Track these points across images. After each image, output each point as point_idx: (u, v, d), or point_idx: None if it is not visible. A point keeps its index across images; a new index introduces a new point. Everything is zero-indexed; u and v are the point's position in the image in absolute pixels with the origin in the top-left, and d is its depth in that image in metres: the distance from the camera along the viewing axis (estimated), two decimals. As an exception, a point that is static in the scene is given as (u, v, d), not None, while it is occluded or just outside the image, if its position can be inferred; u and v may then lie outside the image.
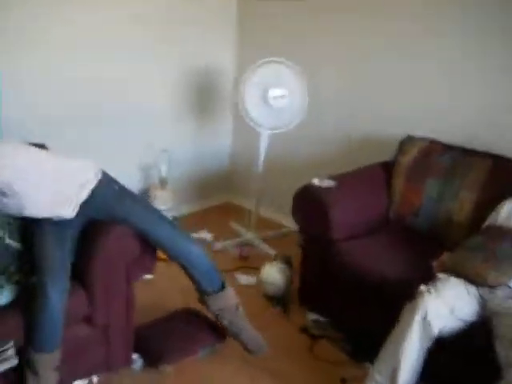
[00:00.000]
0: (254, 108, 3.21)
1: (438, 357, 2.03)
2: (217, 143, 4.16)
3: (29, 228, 2.14)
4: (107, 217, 2.21)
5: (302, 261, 2.83)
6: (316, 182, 2.71)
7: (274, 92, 3.14)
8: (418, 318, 1.99)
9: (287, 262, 3.09)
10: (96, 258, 2.11)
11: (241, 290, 3.02)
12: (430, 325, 1.99)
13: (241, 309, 2.44)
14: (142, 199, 2.35)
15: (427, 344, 2.02)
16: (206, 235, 3.73)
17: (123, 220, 2.19)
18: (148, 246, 2.25)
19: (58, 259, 2.04)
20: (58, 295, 1.97)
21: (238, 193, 4.27)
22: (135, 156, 3.66)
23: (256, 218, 3.66)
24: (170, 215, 3.59)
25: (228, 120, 4.13)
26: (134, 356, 2.40)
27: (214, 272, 2.38)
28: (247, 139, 3.79)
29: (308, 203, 2.66)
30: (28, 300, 1.96)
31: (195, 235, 3.71)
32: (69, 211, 2.16)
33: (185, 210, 3.97)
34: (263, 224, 3.81)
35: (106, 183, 2.26)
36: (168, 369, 2.38)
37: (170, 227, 2.29)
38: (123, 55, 3.36)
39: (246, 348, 2.39)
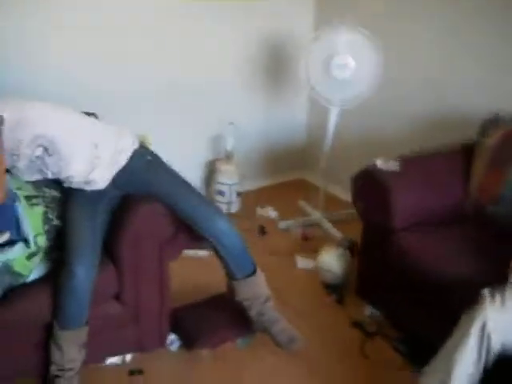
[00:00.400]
0: (316, 78, 2.95)
1: (502, 377, 1.73)
2: (289, 116, 3.93)
3: (64, 204, 2.09)
4: (137, 188, 2.13)
5: (361, 249, 2.58)
6: (379, 163, 2.43)
7: (339, 59, 2.84)
8: (475, 328, 1.70)
9: (349, 247, 2.86)
10: (124, 235, 2.02)
11: (298, 273, 2.88)
12: (489, 338, 1.69)
13: (271, 302, 2.26)
14: (173, 170, 2.21)
15: (486, 360, 1.72)
16: (270, 213, 3.57)
17: (150, 191, 2.10)
18: (184, 226, 2.13)
19: (85, 236, 1.98)
20: (84, 273, 1.91)
21: (311, 169, 4.03)
22: (203, 128, 3.56)
23: (324, 198, 3.43)
24: (234, 190, 3.48)
25: (302, 92, 3.87)
26: (171, 337, 2.33)
27: (244, 254, 2.21)
28: (320, 113, 3.52)
29: (368, 187, 2.40)
30: (56, 276, 1.92)
31: (259, 211, 3.56)
32: (103, 178, 2.09)
33: (251, 185, 3.82)
34: (334, 204, 3.58)
35: (140, 154, 2.16)
36: (205, 353, 2.28)
37: (199, 200, 2.15)
38: (188, 23, 3.24)
39: (275, 341, 2.22)
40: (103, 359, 2.21)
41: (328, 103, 3.09)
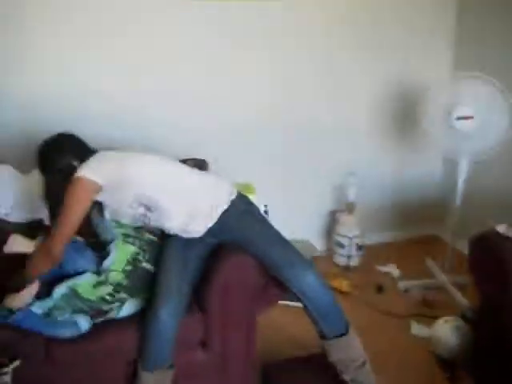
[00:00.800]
0: (439, 129, 2.75)
1: None
2: (420, 167, 3.70)
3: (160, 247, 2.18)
4: (230, 237, 2.14)
5: (475, 324, 2.29)
6: (502, 229, 2.16)
7: (461, 111, 2.61)
8: None
9: (469, 320, 2.56)
10: (212, 283, 2.05)
11: (410, 339, 2.66)
12: None
13: (367, 366, 2.09)
14: (265, 220, 2.20)
15: None
16: (392, 270, 3.36)
17: (240, 240, 2.11)
18: (274, 279, 2.09)
19: (173, 281, 2.03)
20: (168, 317, 1.95)
21: (444, 226, 3.72)
22: (324, 176, 3.50)
23: (455, 258, 3.14)
24: (355, 242, 3.35)
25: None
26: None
27: (335, 312, 2.09)
28: (455, 164, 3.26)
29: (485, 255, 2.14)
30: (143, 317, 1.99)
31: (380, 268, 3.37)
32: (200, 229, 2.13)
33: (374, 239, 3.63)
34: (465, 266, 3.25)
35: (236, 204, 2.17)
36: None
37: (286, 251, 2.09)
38: (316, 62, 3.24)
39: None
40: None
41: (455, 155, 2.86)
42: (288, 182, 3.43)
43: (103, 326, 2.01)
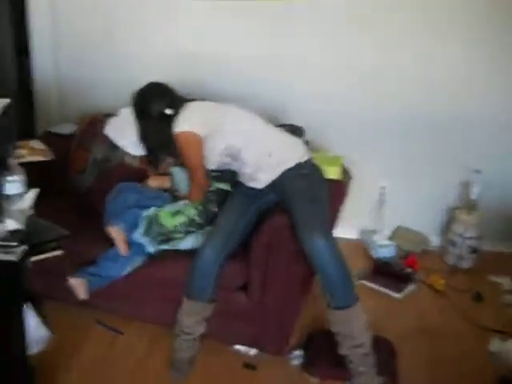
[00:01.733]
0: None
1: None
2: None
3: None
4: (282, 194, 2.27)
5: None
6: None
7: None
8: None
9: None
10: (257, 237, 2.22)
11: (484, 355, 2.48)
12: None
13: (364, 351, 2.08)
14: (315, 188, 2.26)
15: None
16: (504, 282, 3.06)
17: (285, 198, 2.24)
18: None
19: (227, 225, 2.26)
20: (210, 256, 2.19)
21: None
22: (448, 171, 3.31)
23: None
24: (469, 244, 3.15)
25: None
26: (297, 352, 2.37)
27: (341, 283, 2.08)
28: None
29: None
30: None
31: (491, 277, 3.10)
32: (265, 180, 2.30)
33: (493, 245, 3.32)
34: None
35: (300, 166, 2.28)
36: (314, 381, 2.25)
37: (310, 213, 2.14)
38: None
39: None
40: (231, 343, 2.44)
41: None
42: (410, 172, 3.35)
43: (167, 256, 2.35)
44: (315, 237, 2.07)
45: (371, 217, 3.50)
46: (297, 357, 2.36)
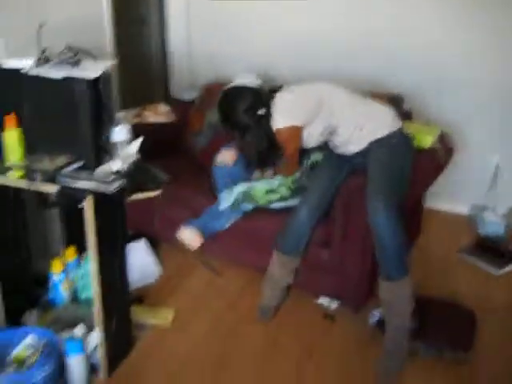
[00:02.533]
0: None
1: None
2: None
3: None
4: (367, 160, 2.33)
5: None
6: None
7: None
8: None
9: None
10: (338, 197, 2.36)
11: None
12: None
13: (405, 330, 2.13)
14: (396, 159, 2.28)
15: None
16: None
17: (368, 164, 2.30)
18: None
19: (320, 187, 2.40)
20: (304, 215, 2.37)
21: None
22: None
23: None
24: None
25: None
26: (376, 312, 2.46)
27: (393, 255, 2.12)
28: None
29: None
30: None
31: None
32: (355, 148, 2.41)
33: None
34: None
35: (390, 136, 2.32)
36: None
37: (379, 187, 2.18)
38: None
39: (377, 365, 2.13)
40: (316, 295, 2.61)
41: None
42: None
43: (260, 212, 2.59)
44: (378, 209, 2.12)
45: (484, 193, 3.39)
46: (374, 316, 2.45)
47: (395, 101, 2.73)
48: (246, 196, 2.54)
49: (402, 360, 2.14)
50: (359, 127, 2.35)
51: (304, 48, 3.49)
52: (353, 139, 2.39)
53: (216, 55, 3.76)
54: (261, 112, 2.38)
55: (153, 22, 4.20)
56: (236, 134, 2.50)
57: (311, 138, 2.43)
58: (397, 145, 2.33)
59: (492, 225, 3.19)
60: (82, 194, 1.86)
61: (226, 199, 2.56)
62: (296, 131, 2.36)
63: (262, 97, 2.41)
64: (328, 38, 3.41)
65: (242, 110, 2.38)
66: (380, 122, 2.37)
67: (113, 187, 1.86)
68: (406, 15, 3.22)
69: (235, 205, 2.55)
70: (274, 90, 2.45)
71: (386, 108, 2.45)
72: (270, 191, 2.55)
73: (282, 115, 2.35)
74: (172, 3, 3.83)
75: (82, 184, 1.86)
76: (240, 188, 2.57)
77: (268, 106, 2.38)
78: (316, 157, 2.62)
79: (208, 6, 3.71)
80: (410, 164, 2.33)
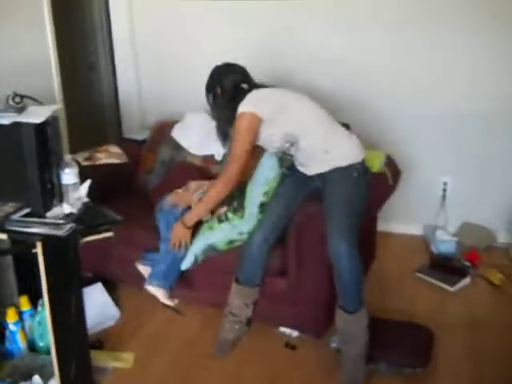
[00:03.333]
0: None
1: None
2: None
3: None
4: (325, 190, 2.33)
5: None
6: None
7: None
8: None
9: None
10: (292, 225, 2.40)
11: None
12: None
13: (362, 359, 2.19)
14: (355, 192, 2.29)
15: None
16: None
17: (326, 194, 2.32)
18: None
19: (274, 216, 2.40)
20: (258, 242, 2.39)
21: None
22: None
23: None
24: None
25: None
26: (335, 337, 2.49)
27: (350, 289, 2.19)
28: None
29: None
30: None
31: None
32: (316, 170, 2.38)
33: None
34: None
35: (352, 168, 2.30)
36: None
37: (339, 219, 2.21)
38: None
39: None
40: (276, 325, 2.63)
41: None
42: (475, 167, 3.39)
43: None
44: (339, 243, 2.16)
45: (435, 213, 3.51)
46: (335, 341, 2.48)
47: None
48: (207, 249, 2.51)
49: None
50: (324, 149, 2.32)
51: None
52: (316, 159, 2.36)
53: (165, 96, 3.82)
54: (244, 86, 2.41)
55: (102, 67, 4.25)
56: (214, 92, 2.46)
57: (270, 141, 2.37)
58: (359, 178, 2.32)
59: (444, 243, 3.30)
60: (33, 238, 1.84)
61: (186, 260, 2.51)
62: (254, 120, 2.29)
63: (250, 81, 2.45)
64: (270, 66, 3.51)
65: (230, 75, 2.43)
66: (346, 151, 2.35)
67: (64, 230, 1.86)
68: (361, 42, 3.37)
69: (197, 261, 2.52)
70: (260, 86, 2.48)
71: (353, 137, 2.44)
72: (232, 242, 2.50)
73: (248, 101, 2.34)
74: (119, 49, 3.88)
75: (33, 229, 1.86)
76: (199, 246, 2.50)
77: (249, 89, 2.40)
78: (284, 170, 2.50)
79: (155, 50, 3.80)
80: (368, 196, 2.35)
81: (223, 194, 2.40)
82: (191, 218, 2.48)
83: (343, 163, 2.32)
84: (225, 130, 2.51)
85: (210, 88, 2.48)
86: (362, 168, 2.36)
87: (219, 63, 2.50)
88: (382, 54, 3.34)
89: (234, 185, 2.37)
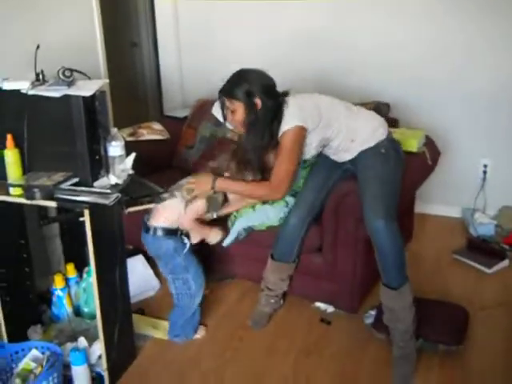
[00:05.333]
0: None
1: None
2: None
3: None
4: (358, 168, 2.36)
5: None
6: None
7: None
8: None
9: None
10: (328, 203, 2.43)
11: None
12: None
13: (409, 334, 2.19)
14: (387, 168, 2.28)
15: None
16: None
17: (360, 172, 2.34)
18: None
19: (308, 194, 2.43)
20: (295, 223, 2.42)
21: None
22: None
23: None
24: None
25: None
26: (372, 312, 2.52)
27: (392, 265, 2.18)
28: None
29: None
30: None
31: None
32: (345, 158, 2.43)
33: None
34: None
35: (378, 146, 2.33)
36: (379, 336, 2.39)
37: (374, 196, 2.21)
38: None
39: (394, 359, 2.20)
40: (312, 299, 2.68)
41: None
42: None
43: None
44: (376, 219, 2.15)
45: (474, 195, 3.47)
46: (370, 316, 2.52)
47: (382, 109, 2.83)
48: (248, 229, 2.54)
49: (413, 362, 2.21)
50: (351, 139, 2.35)
51: (293, 62, 3.59)
52: (343, 149, 2.39)
53: (206, 73, 3.87)
54: (259, 96, 2.20)
55: (145, 45, 4.32)
56: (247, 107, 2.21)
57: (307, 149, 2.36)
58: (388, 154, 2.33)
59: (482, 226, 3.27)
60: (80, 206, 1.93)
61: (228, 238, 2.52)
62: (303, 134, 2.23)
63: (270, 89, 2.26)
64: (318, 51, 3.54)
65: (261, 83, 2.22)
66: (370, 132, 2.36)
67: (111, 199, 1.93)
68: (392, 32, 3.37)
69: (238, 238, 2.54)
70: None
71: (376, 116, 2.46)
72: (270, 227, 2.53)
73: (293, 114, 2.22)
74: (162, 27, 3.94)
75: (81, 197, 1.94)
76: (240, 224, 2.51)
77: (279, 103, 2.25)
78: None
79: (197, 29, 3.84)
80: (401, 170, 2.37)
81: (263, 198, 2.40)
82: (222, 185, 2.31)
83: (370, 143, 2.34)
84: (253, 158, 2.35)
85: (241, 96, 2.20)
86: (388, 143, 2.37)
87: (246, 68, 2.25)
88: (416, 42, 3.34)
89: (274, 199, 2.40)
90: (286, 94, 2.31)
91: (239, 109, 2.23)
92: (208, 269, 2.54)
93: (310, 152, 2.39)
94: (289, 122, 2.21)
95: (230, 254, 2.73)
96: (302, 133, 2.24)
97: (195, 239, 2.37)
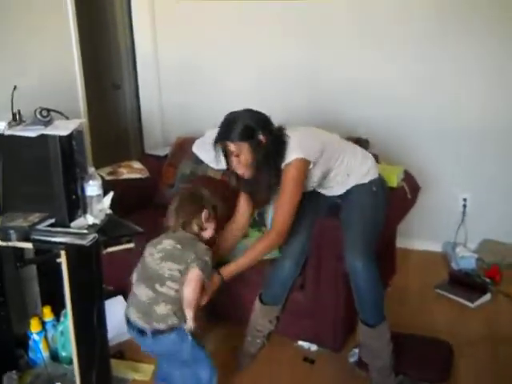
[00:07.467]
0: None
1: None
2: None
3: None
4: (345, 205, 2.37)
5: None
6: None
7: None
8: None
9: None
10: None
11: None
12: None
13: (387, 371, 2.18)
14: (373, 207, 2.31)
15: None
16: None
17: (344, 209, 2.34)
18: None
19: (300, 236, 2.38)
20: (290, 262, 2.39)
21: None
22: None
23: None
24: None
25: None
26: (355, 350, 2.49)
27: (370, 303, 2.19)
28: None
29: None
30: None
31: None
32: (335, 192, 2.42)
33: None
34: None
35: (370, 183, 2.34)
36: (363, 375, 2.36)
37: (356, 235, 2.21)
38: None
39: None
40: (295, 338, 2.63)
41: None
42: (496, 183, 3.39)
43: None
44: (355, 260, 2.15)
45: (454, 229, 3.49)
46: (354, 354, 2.48)
47: (362, 144, 2.84)
48: None
49: None
50: (347, 173, 2.34)
51: (273, 97, 3.62)
52: (337, 182, 2.38)
53: (186, 112, 3.90)
54: (260, 132, 2.13)
55: (126, 85, 4.35)
56: (251, 146, 2.12)
57: (309, 182, 2.30)
58: (378, 193, 2.35)
59: (464, 260, 3.28)
60: (57, 247, 1.90)
61: None
62: (306, 166, 2.17)
63: (267, 123, 2.20)
64: (296, 88, 3.60)
65: (257, 119, 2.16)
66: (365, 170, 2.37)
67: (88, 240, 1.90)
68: (378, 69, 3.42)
69: None
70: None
71: (368, 155, 2.48)
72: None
73: (296, 147, 2.15)
74: (142, 67, 3.98)
75: (57, 238, 1.91)
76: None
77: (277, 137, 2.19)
78: None
79: (177, 67, 3.88)
80: (386, 209, 2.38)
81: (274, 246, 2.29)
82: (231, 271, 2.20)
83: (364, 180, 2.36)
84: (266, 197, 2.33)
85: (244, 136, 2.11)
86: (379, 182, 2.41)
87: (235, 110, 2.18)
88: (401, 80, 3.40)
89: (286, 237, 2.24)
90: (282, 127, 2.24)
91: (244, 150, 2.13)
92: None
93: (311, 185, 2.35)
94: (294, 153, 2.15)
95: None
96: (305, 165, 2.18)
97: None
